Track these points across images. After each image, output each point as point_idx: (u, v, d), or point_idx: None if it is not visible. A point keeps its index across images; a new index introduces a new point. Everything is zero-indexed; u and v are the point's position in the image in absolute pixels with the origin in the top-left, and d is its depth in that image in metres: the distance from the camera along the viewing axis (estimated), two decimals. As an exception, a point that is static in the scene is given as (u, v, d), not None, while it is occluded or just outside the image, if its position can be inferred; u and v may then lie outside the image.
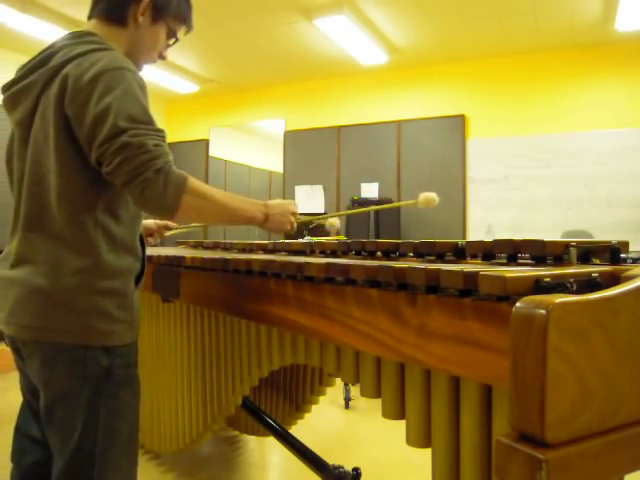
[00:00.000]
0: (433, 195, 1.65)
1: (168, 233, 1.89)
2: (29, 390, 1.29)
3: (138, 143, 1.03)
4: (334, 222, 1.73)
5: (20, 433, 1.33)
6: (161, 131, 1.10)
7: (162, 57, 1.35)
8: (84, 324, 1.10)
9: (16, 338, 1.16)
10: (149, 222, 1.79)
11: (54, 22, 4.60)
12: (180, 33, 1.34)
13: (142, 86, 1.12)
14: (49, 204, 1.11)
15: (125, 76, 1.08)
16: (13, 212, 1.21)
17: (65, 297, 1.09)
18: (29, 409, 1.33)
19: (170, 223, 1.81)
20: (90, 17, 1.24)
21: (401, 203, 1.83)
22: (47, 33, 4.79)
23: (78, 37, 1.17)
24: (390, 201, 5.61)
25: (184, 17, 1.31)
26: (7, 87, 1.19)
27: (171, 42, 1.34)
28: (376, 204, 5.51)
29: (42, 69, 1.13)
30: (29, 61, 1.18)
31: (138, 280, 1.24)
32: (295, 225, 1.36)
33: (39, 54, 1.18)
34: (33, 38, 4.96)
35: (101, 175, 1.09)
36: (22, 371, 1.29)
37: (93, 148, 1.05)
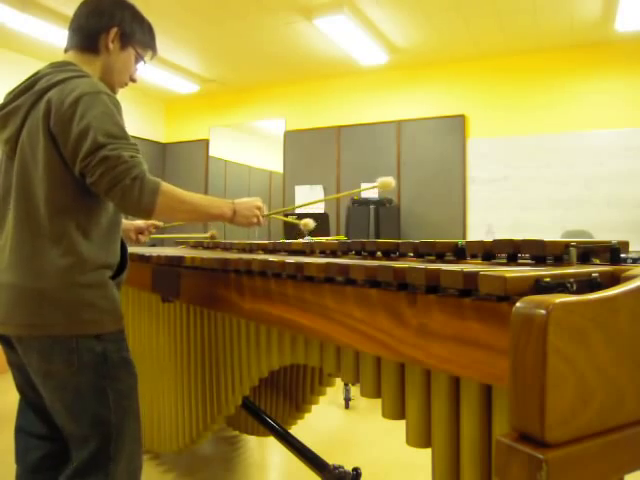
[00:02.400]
0: (390, 179, 1.77)
1: (154, 236, 1.99)
2: (28, 385, 1.36)
3: (116, 155, 1.18)
4: (308, 222, 1.79)
5: (23, 433, 1.40)
6: (135, 145, 1.24)
7: (133, 80, 1.51)
8: (73, 316, 1.23)
9: (12, 336, 1.27)
10: (139, 222, 1.89)
11: (54, 22, 4.59)
12: (146, 57, 1.50)
13: (117, 105, 1.28)
14: (37, 212, 1.24)
15: (101, 99, 1.23)
16: None
17: (54, 294, 1.22)
18: (29, 406, 1.39)
19: (157, 222, 1.91)
20: (67, 50, 1.41)
21: (361, 189, 2.07)
22: (47, 33, 4.79)
23: (59, 66, 1.33)
24: (390, 201, 5.61)
25: (150, 42, 1.50)
26: None
27: (139, 66, 1.51)
28: (376, 204, 5.51)
29: (27, 93, 1.28)
30: (17, 87, 1.33)
31: (117, 274, 1.36)
32: (262, 219, 1.49)
33: (25, 81, 1.32)
34: (33, 38, 4.96)
35: (83, 185, 1.24)
36: (18, 368, 1.36)
37: (77, 162, 1.20)
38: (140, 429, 1.36)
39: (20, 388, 1.41)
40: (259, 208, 1.48)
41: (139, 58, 1.47)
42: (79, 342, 1.23)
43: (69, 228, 1.24)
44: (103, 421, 1.24)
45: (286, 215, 2.06)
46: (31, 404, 1.39)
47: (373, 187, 1.84)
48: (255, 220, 1.46)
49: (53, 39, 4.87)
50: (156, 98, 7.22)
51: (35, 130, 1.24)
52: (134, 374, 1.35)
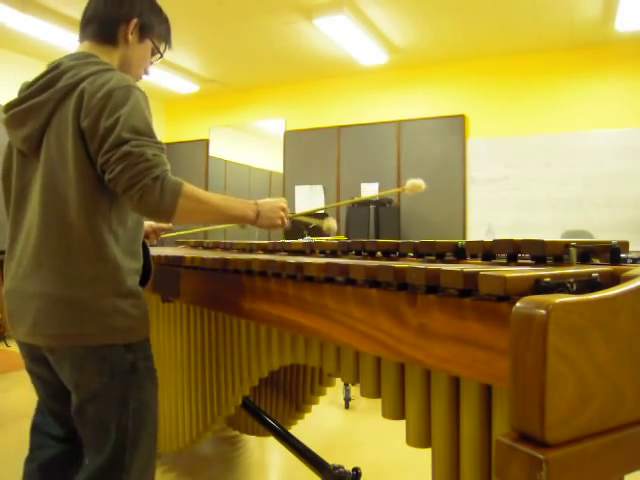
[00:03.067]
0: (420, 182, 1.65)
1: (164, 235, 1.92)
2: (48, 394, 1.35)
3: (138, 152, 1.11)
4: (331, 224, 1.71)
5: (38, 431, 1.40)
6: (160, 143, 1.18)
7: (146, 73, 1.46)
8: (107, 325, 1.19)
9: (43, 347, 1.22)
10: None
11: (54, 22, 4.60)
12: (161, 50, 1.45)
13: (146, 101, 1.22)
14: (67, 214, 1.17)
15: (133, 93, 1.17)
16: (13, 222, 1.27)
17: (87, 302, 1.17)
18: (48, 412, 1.38)
19: (164, 225, 1.84)
20: (81, 39, 1.33)
21: (389, 191, 1.83)
22: (47, 33, 4.79)
23: (83, 58, 1.25)
24: (390, 201, 5.61)
25: (167, 34, 1.45)
26: (11, 106, 1.25)
27: (155, 59, 1.45)
28: (376, 204, 5.51)
29: (52, 89, 1.20)
30: (33, 82, 1.24)
31: (144, 281, 1.32)
32: (286, 221, 1.41)
33: (43, 75, 1.23)
34: (33, 38, 4.96)
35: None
36: (37, 376, 1.35)
37: (99, 156, 1.13)
38: (155, 440, 1.31)
39: (40, 395, 1.38)
40: (283, 209, 1.40)
41: (156, 51, 1.42)
42: (111, 351, 1.20)
43: (103, 232, 1.18)
44: (121, 430, 1.21)
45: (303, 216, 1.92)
46: (50, 410, 1.36)
47: (403, 190, 1.70)
48: (279, 222, 1.39)
49: (53, 39, 4.87)
50: (156, 98, 7.22)
51: (64, 128, 1.17)
52: (156, 383, 1.32)
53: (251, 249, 1.87)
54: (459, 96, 5.68)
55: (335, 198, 6.22)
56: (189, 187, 1.18)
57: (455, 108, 5.67)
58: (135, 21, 1.32)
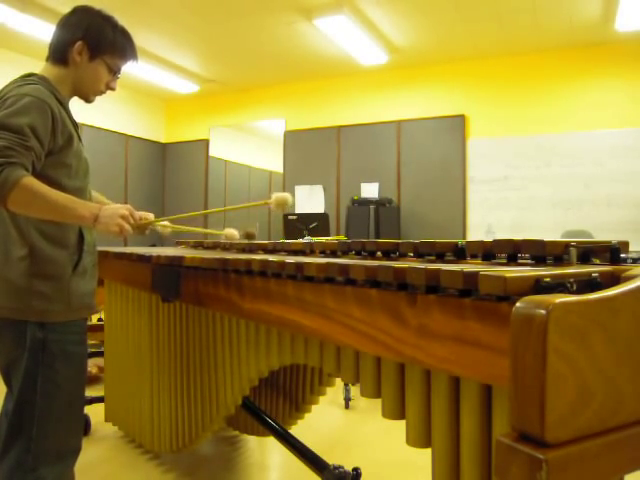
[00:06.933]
0: (286, 195, 1.60)
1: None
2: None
3: None
4: (231, 233, 1.61)
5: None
6: (27, 141, 1.25)
7: (111, 88, 1.54)
8: (24, 302, 1.35)
9: None
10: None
11: (54, 22, 4.59)
12: (123, 65, 1.53)
13: (41, 109, 1.30)
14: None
15: (24, 99, 1.28)
16: None
17: (11, 280, 1.35)
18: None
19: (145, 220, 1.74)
20: (46, 59, 1.49)
21: (253, 204, 1.74)
22: (47, 33, 4.79)
23: (21, 79, 1.39)
24: (390, 201, 5.61)
25: (122, 52, 1.50)
26: None
27: (117, 75, 1.53)
28: (376, 204, 5.51)
29: None
30: None
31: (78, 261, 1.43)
32: (128, 228, 1.37)
33: None
34: (33, 38, 4.96)
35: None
36: None
37: None
38: (77, 426, 1.45)
39: None
40: (123, 217, 1.35)
41: (113, 69, 1.50)
42: (27, 326, 1.35)
43: (19, 223, 1.34)
44: (27, 402, 1.34)
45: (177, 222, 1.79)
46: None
47: (265, 203, 1.62)
48: (116, 229, 1.33)
49: (53, 39, 4.86)
50: (156, 98, 7.22)
51: None
52: (75, 366, 1.42)
53: (251, 249, 1.87)
54: (459, 96, 5.68)
55: (335, 198, 6.22)
56: (30, 181, 1.23)
57: (455, 108, 5.67)
58: (80, 43, 1.42)
